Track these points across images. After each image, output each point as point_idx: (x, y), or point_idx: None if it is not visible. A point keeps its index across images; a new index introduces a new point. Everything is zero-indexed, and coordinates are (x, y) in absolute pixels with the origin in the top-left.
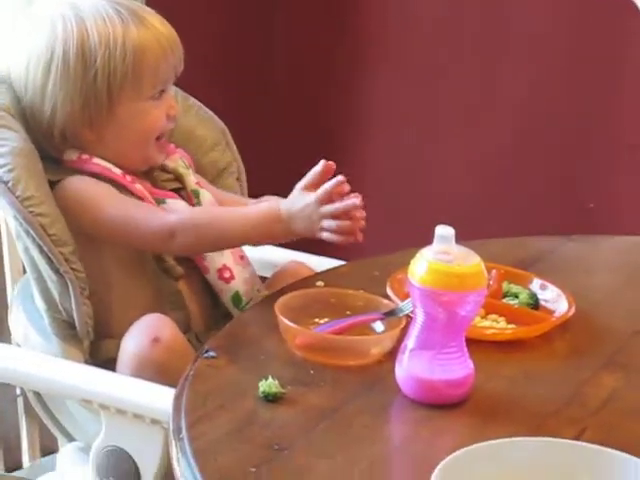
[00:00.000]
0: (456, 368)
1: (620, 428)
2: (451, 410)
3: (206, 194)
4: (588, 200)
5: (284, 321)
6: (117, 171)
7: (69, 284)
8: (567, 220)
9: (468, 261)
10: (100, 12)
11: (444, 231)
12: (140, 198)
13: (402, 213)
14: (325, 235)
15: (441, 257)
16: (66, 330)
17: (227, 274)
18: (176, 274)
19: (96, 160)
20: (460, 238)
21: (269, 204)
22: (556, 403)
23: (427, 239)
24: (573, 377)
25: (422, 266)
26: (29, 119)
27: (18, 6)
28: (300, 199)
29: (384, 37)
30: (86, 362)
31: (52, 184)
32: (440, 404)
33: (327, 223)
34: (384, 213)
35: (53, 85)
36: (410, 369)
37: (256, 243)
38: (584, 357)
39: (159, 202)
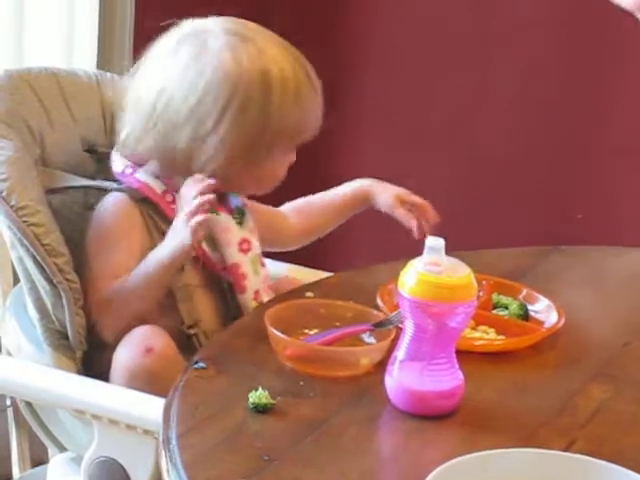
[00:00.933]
0: (446, 379)
1: (610, 439)
2: (441, 421)
3: (246, 224)
4: (577, 211)
5: (274, 332)
6: (158, 189)
7: (62, 294)
8: (556, 230)
9: (458, 272)
10: (274, 44)
11: (434, 242)
12: (170, 219)
13: (392, 224)
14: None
15: (431, 268)
16: (59, 340)
17: (259, 298)
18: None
19: (139, 175)
20: (450, 249)
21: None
22: (546, 414)
23: (417, 250)
24: (563, 388)
25: (412, 277)
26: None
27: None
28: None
29: (372, 36)
30: (79, 373)
31: (99, 190)
32: (430, 415)
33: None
34: (374, 224)
35: (228, 123)
36: (400, 380)
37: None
38: (574, 368)
39: (212, 212)
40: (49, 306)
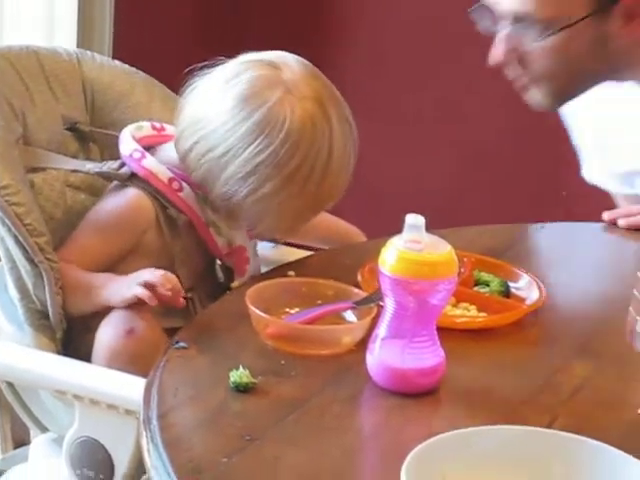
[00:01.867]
0: (427, 357)
1: (592, 416)
2: (422, 399)
3: None
4: (561, 188)
5: (255, 311)
6: (165, 177)
7: (43, 274)
8: (539, 208)
9: (439, 249)
10: (341, 134)
11: (414, 220)
12: (179, 208)
13: (372, 202)
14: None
15: (411, 246)
16: (39, 320)
17: None
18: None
19: (146, 162)
20: (431, 227)
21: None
22: (528, 391)
23: (398, 228)
24: (545, 365)
25: (392, 255)
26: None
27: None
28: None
29: (358, 33)
30: (59, 353)
31: (110, 175)
32: (411, 393)
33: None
34: (354, 202)
35: (271, 186)
36: (381, 358)
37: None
38: (556, 345)
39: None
40: (30, 286)
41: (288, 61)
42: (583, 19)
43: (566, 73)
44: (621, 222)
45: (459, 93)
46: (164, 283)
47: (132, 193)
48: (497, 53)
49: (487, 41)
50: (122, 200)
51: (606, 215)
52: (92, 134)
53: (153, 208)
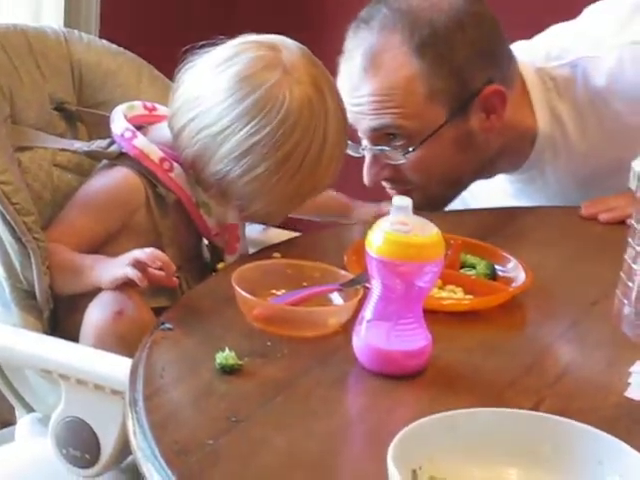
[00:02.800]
0: (414, 339)
1: (578, 398)
2: (409, 381)
3: None
4: None
5: (241, 293)
6: (156, 156)
7: (31, 253)
8: None
9: (426, 231)
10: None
11: (401, 201)
12: (169, 188)
13: (360, 185)
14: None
15: (398, 227)
16: (26, 300)
17: None
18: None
19: (137, 142)
20: (416, 209)
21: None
22: (514, 374)
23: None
24: (531, 348)
25: (379, 237)
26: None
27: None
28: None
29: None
30: (46, 333)
31: (98, 154)
32: (398, 375)
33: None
34: (342, 184)
35: (269, 171)
36: (367, 340)
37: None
38: (542, 328)
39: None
40: (17, 265)
41: (287, 44)
42: (444, 125)
43: (440, 178)
44: (602, 217)
45: None
46: (154, 261)
47: (122, 172)
48: (370, 174)
49: None
50: (111, 179)
51: (584, 210)
52: (79, 114)
53: (143, 187)
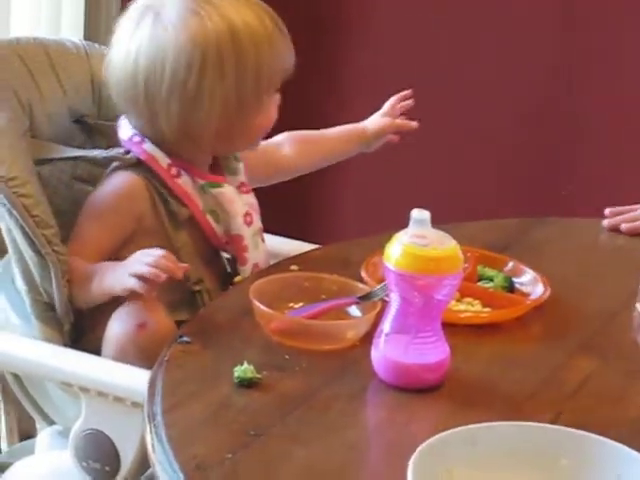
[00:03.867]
0: (432, 352)
1: (596, 411)
2: (427, 394)
3: (245, 199)
4: (563, 184)
5: (259, 306)
6: (164, 162)
7: (51, 266)
8: (539, 207)
9: (444, 244)
10: (233, 2)
11: (420, 214)
12: (176, 195)
13: (377, 196)
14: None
15: (417, 240)
16: (46, 312)
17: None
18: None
19: (146, 146)
20: (434, 222)
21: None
22: (532, 387)
23: (402, 223)
24: (549, 360)
25: (398, 250)
26: (140, 114)
27: None
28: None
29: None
30: (66, 346)
31: (103, 161)
32: (416, 388)
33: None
34: (359, 196)
35: (209, 84)
36: (386, 353)
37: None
38: (560, 340)
39: (215, 186)
40: (37, 278)
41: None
42: None
43: None
44: (624, 227)
45: (461, 93)
46: (155, 270)
47: (124, 176)
48: None
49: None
50: (114, 185)
51: (607, 221)
52: (98, 127)
53: (146, 189)
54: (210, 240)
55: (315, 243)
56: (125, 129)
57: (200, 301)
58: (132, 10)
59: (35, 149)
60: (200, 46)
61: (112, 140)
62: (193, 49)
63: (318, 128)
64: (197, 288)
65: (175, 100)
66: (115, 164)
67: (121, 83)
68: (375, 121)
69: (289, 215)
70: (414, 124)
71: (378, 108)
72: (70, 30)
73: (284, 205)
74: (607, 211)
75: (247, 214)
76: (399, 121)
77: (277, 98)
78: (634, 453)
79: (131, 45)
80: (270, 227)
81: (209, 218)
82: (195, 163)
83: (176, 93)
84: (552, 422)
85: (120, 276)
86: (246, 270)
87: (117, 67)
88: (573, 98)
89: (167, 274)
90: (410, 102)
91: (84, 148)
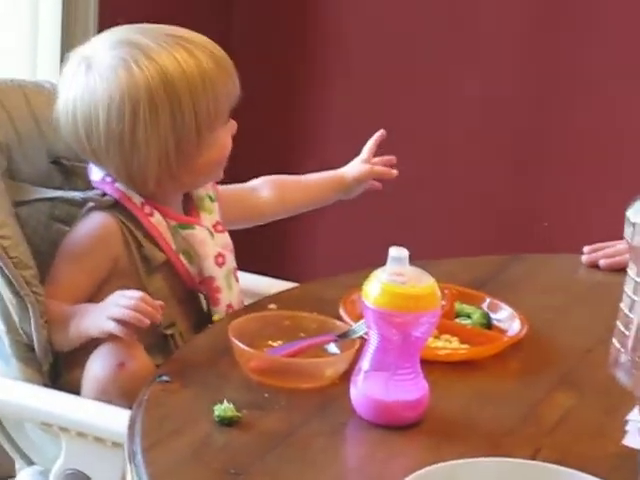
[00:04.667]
0: (411, 389)
1: (574, 447)
2: (406, 431)
3: (219, 239)
4: (540, 219)
5: (238, 344)
6: (137, 201)
7: (29, 307)
8: (520, 239)
9: (422, 282)
10: (165, 46)
11: (398, 252)
12: (151, 237)
13: (352, 234)
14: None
15: (395, 278)
16: (26, 353)
17: (230, 311)
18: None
19: (118, 185)
20: (411, 257)
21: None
22: (511, 423)
23: (378, 260)
24: (527, 396)
25: (376, 287)
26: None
27: None
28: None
29: (343, 48)
30: (46, 387)
31: (80, 201)
32: (396, 425)
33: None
34: (334, 234)
35: (143, 132)
36: (365, 391)
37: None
38: (538, 376)
39: (186, 228)
40: (16, 318)
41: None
42: None
43: None
44: (602, 263)
45: (436, 130)
46: (136, 314)
47: (98, 217)
48: None
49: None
50: (87, 227)
51: (585, 257)
52: (74, 168)
53: (120, 232)
54: (184, 281)
55: (291, 281)
56: (96, 170)
57: (173, 344)
58: (70, 60)
59: (13, 191)
60: (131, 96)
61: (89, 181)
62: (124, 100)
63: (292, 172)
64: (169, 332)
65: (114, 149)
66: (90, 205)
67: (67, 133)
68: (354, 168)
69: (264, 253)
70: (394, 172)
71: (345, 156)
72: (46, 71)
73: (259, 243)
74: (585, 249)
75: (219, 255)
76: (379, 168)
77: (231, 126)
78: None
79: (69, 96)
80: (245, 265)
81: (182, 259)
82: (166, 203)
83: (113, 142)
84: (531, 458)
85: (98, 319)
86: (219, 311)
87: (59, 118)
88: (546, 132)
89: (148, 318)
90: (392, 158)
91: (62, 189)
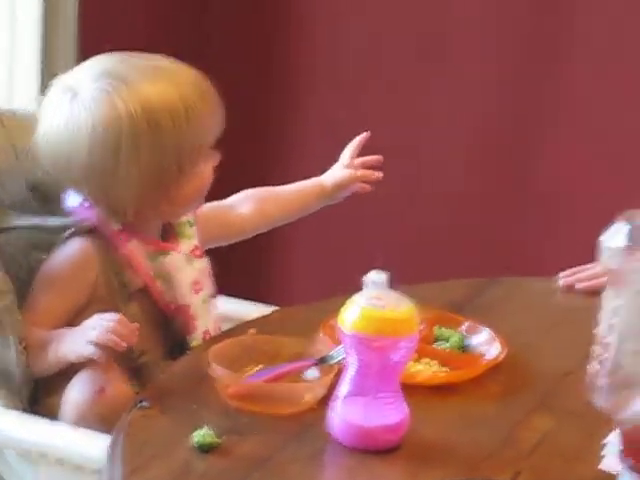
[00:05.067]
0: (391, 413)
1: (553, 470)
2: (386, 455)
3: (197, 264)
4: (516, 243)
5: (217, 370)
6: (115, 226)
7: (9, 333)
8: (497, 262)
9: (401, 306)
10: (149, 78)
11: (377, 277)
12: (128, 263)
13: (330, 257)
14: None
15: (374, 302)
16: (5, 379)
17: (207, 337)
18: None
19: (96, 211)
20: (391, 282)
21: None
22: (490, 446)
23: (357, 284)
24: (506, 420)
25: (355, 312)
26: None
27: None
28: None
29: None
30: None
31: (58, 229)
32: (375, 450)
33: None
34: (312, 257)
35: (124, 165)
36: (344, 415)
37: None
38: (516, 400)
39: (162, 254)
40: None
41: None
42: None
43: None
44: (579, 286)
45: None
46: (113, 337)
47: (76, 244)
48: None
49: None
50: (65, 254)
51: (562, 281)
52: (52, 194)
53: (98, 258)
54: (160, 307)
55: (269, 304)
56: (74, 196)
57: (146, 373)
58: (54, 88)
59: None
60: (113, 129)
61: (67, 207)
62: (106, 132)
63: (273, 183)
64: (141, 360)
65: (94, 179)
66: (69, 231)
67: (47, 161)
68: (335, 174)
69: (242, 277)
70: (378, 174)
71: (333, 159)
72: (24, 98)
73: (237, 267)
74: (562, 274)
75: (196, 282)
76: (361, 172)
77: (214, 157)
78: None
79: (52, 123)
80: (223, 289)
81: (160, 285)
82: (144, 229)
83: (93, 173)
84: None
85: (76, 344)
86: (196, 338)
87: (40, 145)
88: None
89: (125, 342)
90: (378, 158)
91: (41, 216)
